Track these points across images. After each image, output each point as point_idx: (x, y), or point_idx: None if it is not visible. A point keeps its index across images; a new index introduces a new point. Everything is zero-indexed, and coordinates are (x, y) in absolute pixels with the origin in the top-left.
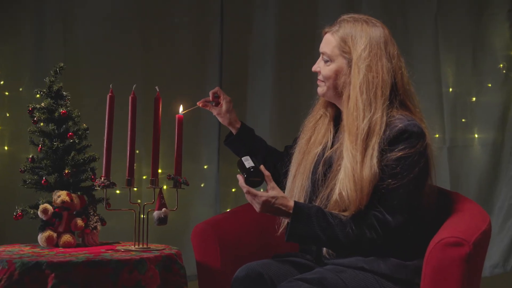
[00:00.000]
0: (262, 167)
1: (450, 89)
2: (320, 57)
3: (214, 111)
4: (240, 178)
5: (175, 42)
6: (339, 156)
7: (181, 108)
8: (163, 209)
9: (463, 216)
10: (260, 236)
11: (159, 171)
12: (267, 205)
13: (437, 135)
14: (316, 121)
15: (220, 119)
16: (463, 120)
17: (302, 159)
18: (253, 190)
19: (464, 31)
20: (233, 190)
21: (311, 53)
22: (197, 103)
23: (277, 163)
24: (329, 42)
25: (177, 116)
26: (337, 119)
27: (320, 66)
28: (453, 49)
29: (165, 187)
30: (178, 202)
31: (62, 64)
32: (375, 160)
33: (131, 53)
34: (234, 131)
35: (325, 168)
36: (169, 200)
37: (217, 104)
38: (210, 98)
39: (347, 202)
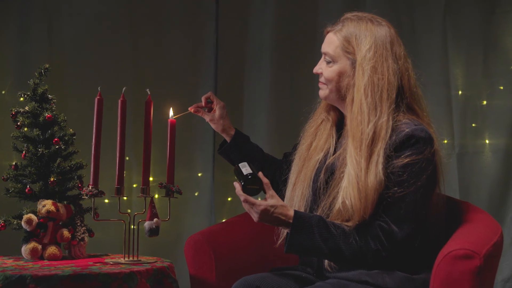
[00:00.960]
0: (260, 174)
1: (460, 92)
2: (322, 58)
3: (207, 117)
4: (237, 185)
5: (167, 42)
6: (342, 163)
7: (171, 112)
8: (155, 220)
9: (473, 227)
10: (257, 248)
11: (151, 179)
12: (266, 214)
13: (445, 141)
14: (317, 126)
15: (213, 126)
16: (473, 125)
17: (303, 166)
18: (251, 199)
19: (475, 30)
20: (229, 199)
21: (312, 54)
22: (189, 109)
23: (276, 172)
24: (331, 42)
25: (169, 120)
26: (340, 124)
27: (322, 68)
28: (463, 49)
29: (156, 196)
30: (170, 212)
31: (47, 66)
32: (380, 167)
33: (121, 54)
34: (228, 139)
35: (327, 176)
36: (161, 210)
37: (210, 110)
38: (203, 103)
39: (351, 212)
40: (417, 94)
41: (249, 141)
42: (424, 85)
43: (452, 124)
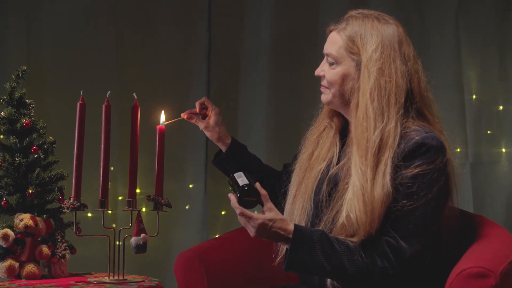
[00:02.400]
0: (258, 185)
1: (474, 96)
2: (324, 59)
3: (201, 125)
4: (233, 197)
5: (155, 42)
6: (347, 173)
7: (162, 118)
8: (142, 235)
9: (488, 243)
10: (254, 267)
11: (137, 191)
12: (264, 228)
13: (458, 149)
14: (319, 134)
15: (207, 134)
16: (488, 132)
17: (303, 177)
18: (248, 212)
19: (490, 29)
20: (223, 212)
21: (313, 55)
22: (182, 115)
23: (275, 184)
24: (334, 42)
25: (158, 127)
26: (344, 132)
27: (324, 70)
28: (477, 50)
29: (144, 209)
30: (159, 226)
31: (25, 68)
32: (388, 178)
33: (105, 55)
34: (223, 148)
35: (330, 187)
36: (149, 225)
37: (204, 116)
38: (197, 109)
39: (356, 226)
40: (428, 98)
41: (246, 151)
42: (434, 88)
43: (466, 131)
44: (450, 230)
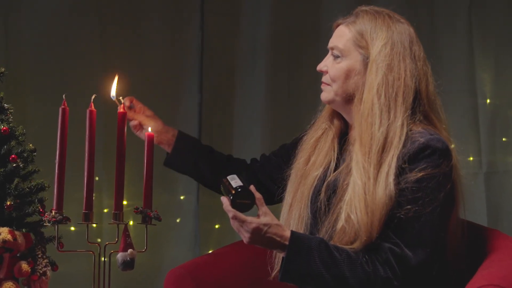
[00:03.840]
0: (252, 187)
1: (488, 101)
2: (328, 54)
3: (136, 120)
4: (225, 200)
5: (143, 42)
6: (346, 175)
7: (114, 90)
8: (129, 251)
9: (503, 259)
10: (250, 285)
11: (124, 203)
12: (258, 234)
13: (471, 158)
14: (317, 138)
15: (162, 137)
16: (503, 139)
17: (299, 184)
18: (241, 215)
19: (506, 27)
20: (217, 226)
21: (314, 56)
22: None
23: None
24: (342, 35)
25: (146, 134)
26: (343, 136)
27: (327, 65)
28: (491, 50)
29: (131, 222)
30: (147, 241)
31: (3, 69)
32: (391, 179)
33: (89, 56)
34: (172, 140)
35: (328, 195)
36: (137, 239)
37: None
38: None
39: (357, 227)
40: (435, 103)
41: (199, 142)
42: (445, 92)
43: (479, 138)
44: (455, 241)
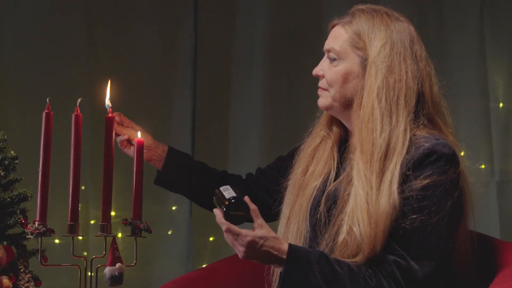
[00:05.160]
0: (247, 198)
1: (501, 105)
2: (324, 57)
3: (124, 135)
4: (218, 212)
5: (132, 43)
6: (347, 184)
7: (108, 100)
8: (118, 265)
9: None
10: None
11: (112, 213)
12: (253, 247)
13: (482, 166)
14: (315, 146)
15: (152, 153)
16: None
17: (297, 196)
18: (235, 228)
19: None
20: (211, 239)
21: (315, 57)
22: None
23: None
24: (338, 36)
25: (136, 140)
26: (343, 144)
27: (323, 69)
28: (505, 51)
29: (120, 235)
30: (137, 255)
31: None
32: (394, 187)
33: (75, 57)
34: (162, 156)
35: (328, 206)
36: (126, 253)
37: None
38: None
39: (359, 240)
40: (441, 105)
41: (191, 157)
42: (454, 95)
43: (491, 145)
44: (464, 253)
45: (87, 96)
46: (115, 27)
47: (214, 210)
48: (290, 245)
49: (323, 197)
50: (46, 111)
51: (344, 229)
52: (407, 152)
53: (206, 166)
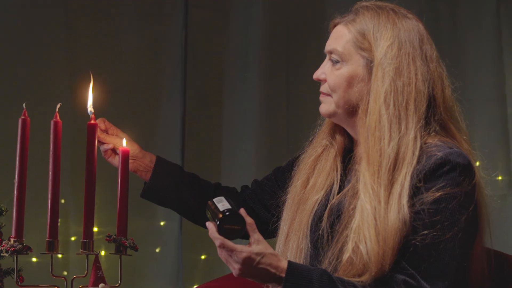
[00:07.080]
0: (242, 211)
1: None
2: (326, 59)
3: (109, 144)
4: (211, 225)
5: (117, 43)
6: (353, 197)
7: (90, 104)
8: (101, 285)
9: None
10: None
11: (95, 229)
12: (250, 264)
13: (499, 177)
14: (317, 157)
15: (139, 163)
16: None
17: (297, 210)
18: (229, 243)
19: None
20: (203, 257)
21: (316, 58)
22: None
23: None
24: (340, 36)
25: (120, 149)
26: (348, 154)
27: (325, 72)
28: None
29: (103, 253)
30: (122, 274)
31: None
32: (404, 201)
33: (54, 57)
34: (150, 166)
35: (331, 220)
36: (110, 272)
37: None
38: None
39: (366, 259)
40: (453, 109)
41: (181, 168)
42: (468, 100)
43: (509, 154)
44: (480, 272)
45: (67, 100)
46: (98, 27)
47: (207, 223)
48: (289, 263)
49: (326, 212)
50: (23, 117)
51: (350, 246)
52: (418, 162)
53: (198, 177)
